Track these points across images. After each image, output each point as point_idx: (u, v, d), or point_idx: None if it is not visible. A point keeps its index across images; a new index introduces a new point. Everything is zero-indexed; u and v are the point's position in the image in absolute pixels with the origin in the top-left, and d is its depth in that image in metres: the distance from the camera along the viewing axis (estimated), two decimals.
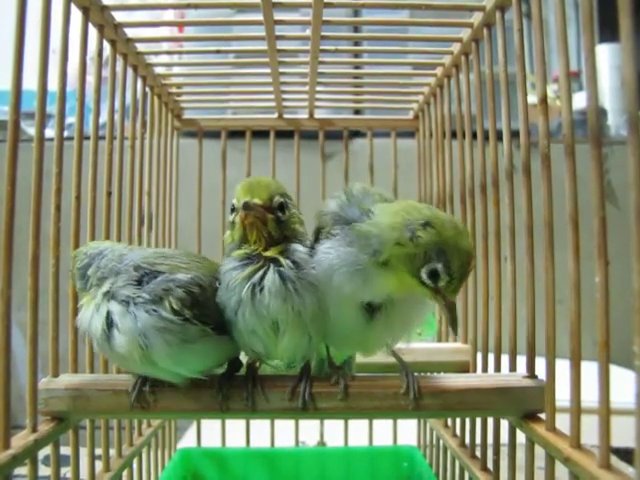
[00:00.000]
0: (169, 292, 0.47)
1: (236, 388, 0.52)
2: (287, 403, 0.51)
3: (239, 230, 0.50)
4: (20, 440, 0.46)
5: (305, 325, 0.49)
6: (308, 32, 0.64)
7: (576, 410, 0.43)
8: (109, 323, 0.47)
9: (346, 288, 0.48)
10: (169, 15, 1.46)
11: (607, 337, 0.40)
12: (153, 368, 0.48)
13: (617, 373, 0.45)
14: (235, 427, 0.88)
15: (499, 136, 0.59)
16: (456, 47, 0.70)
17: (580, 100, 1.55)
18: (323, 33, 0.64)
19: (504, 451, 0.56)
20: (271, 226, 0.49)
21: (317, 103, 0.89)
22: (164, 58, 0.96)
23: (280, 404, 0.51)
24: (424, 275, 0.45)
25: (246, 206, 0.47)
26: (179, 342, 0.47)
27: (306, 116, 0.92)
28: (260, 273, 0.48)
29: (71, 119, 0.59)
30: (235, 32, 0.89)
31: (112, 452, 0.65)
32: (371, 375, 0.54)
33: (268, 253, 0.49)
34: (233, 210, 0.50)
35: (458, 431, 0.70)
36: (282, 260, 0.48)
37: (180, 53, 1.15)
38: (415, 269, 0.45)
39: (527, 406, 0.50)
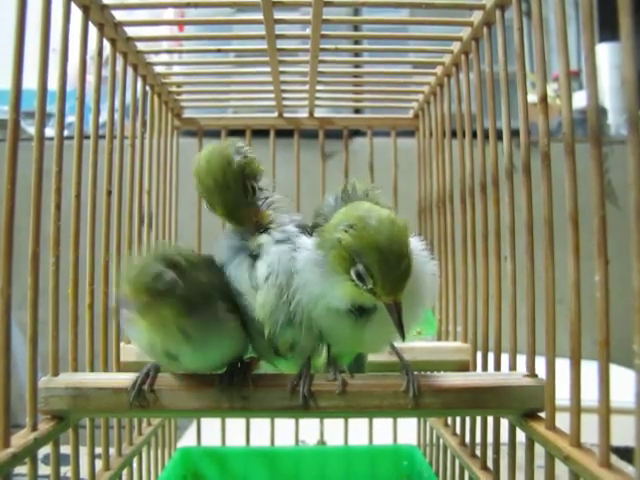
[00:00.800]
0: None
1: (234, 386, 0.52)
2: (287, 401, 0.51)
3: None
4: (20, 439, 0.46)
5: (282, 286, 0.51)
6: (308, 31, 0.64)
7: (576, 408, 0.43)
8: None
9: (315, 292, 0.49)
10: (169, 14, 1.46)
11: (607, 336, 0.40)
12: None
13: (617, 372, 0.45)
14: (235, 426, 0.88)
15: (499, 135, 0.59)
16: (456, 46, 0.70)
17: (580, 99, 1.56)
18: (323, 32, 0.64)
19: (504, 450, 0.56)
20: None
21: (317, 102, 0.89)
22: (164, 57, 0.96)
23: (280, 402, 0.51)
24: (354, 277, 0.45)
25: None
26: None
27: (306, 115, 0.92)
28: (255, 240, 0.52)
29: (71, 118, 0.59)
30: (235, 31, 0.89)
31: (112, 451, 0.65)
32: (371, 374, 0.54)
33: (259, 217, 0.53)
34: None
35: (458, 430, 0.70)
36: (275, 229, 0.53)
37: (180, 52, 1.15)
38: (348, 272, 0.45)
39: (527, 405, 0.50)
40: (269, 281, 0.51)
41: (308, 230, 0.54)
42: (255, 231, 0.53)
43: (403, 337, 0.45)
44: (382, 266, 0.43)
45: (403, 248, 0.44)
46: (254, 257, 0.52)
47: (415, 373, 0.52)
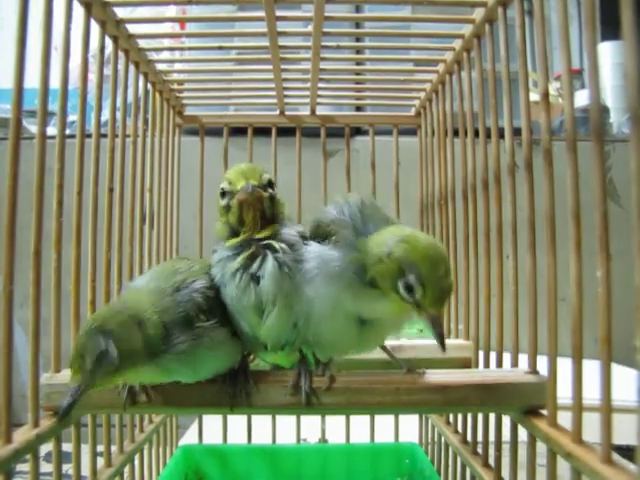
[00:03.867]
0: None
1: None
2: (289, 398, 0.51)
3: (235, 213, 0.51)
4: (22, 435, 0.46)
5: (291, 307, 0.51)
6: (310, 28, 0.64)
7: (578, 405, 0.43)
8: None
9: (333, 299, 0.49)
10: (171, 11, 1.46)
11: (609, 332, 0.40)
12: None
13: (618, 371, 0.45)
14: (237, 424, 0.88)
15: (501, 133, 0.59)
16: (458, 43, 0.70)
17: (582, 98, 1.56)
18: (325, 29, 0.64)
19: (506, 448, 0.56)
20: (266, 203, 0.52)
21: (319, 100, 0.89)
22: (166, 55, 0.96)
23: (282, 399, 0.51)
24: (401, 289, 0.46)
25: (249, 188, 0.50)
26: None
27: (308, 113, 0.92)
28: (258, 262, 0.50)
29: (73, 117, 0.59)
30: (237, 28, 0.88)
31: (113, 449, 0.65)
32: (373, 371, 0.54)
33: (261, 235, 0.51)
34: (224, 195, 0.52)
35: (460, 428, 0.70)
36: (276, 244, 0.51)
37: (182, 49, 1.15)
38: (394, 284, 0.46)
39: (529, 402, 0.50)
40: (278, 303, 0.50)
41: (308, 239, 0.54)
42: (255, 241, 0.52)
43: (443, 348, 0.46)
44: (433, 276, 0.45)
45: (449, 265, 0.46)
46: (256, 276, 0.51)
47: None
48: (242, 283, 0.50)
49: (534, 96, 0.54)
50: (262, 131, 0.93)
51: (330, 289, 0.49)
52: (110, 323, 0.44)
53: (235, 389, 0.51)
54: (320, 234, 0.52)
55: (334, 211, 0.52)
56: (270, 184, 0.53)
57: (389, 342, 0.61)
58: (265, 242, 0.51)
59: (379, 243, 0.48)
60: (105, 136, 0.62)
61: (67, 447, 0.53)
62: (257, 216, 0.51)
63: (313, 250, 0.51)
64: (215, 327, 0.50)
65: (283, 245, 0.51)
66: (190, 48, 1.00)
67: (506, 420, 0.57)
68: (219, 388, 0.52)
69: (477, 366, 0.67)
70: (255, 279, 0.50)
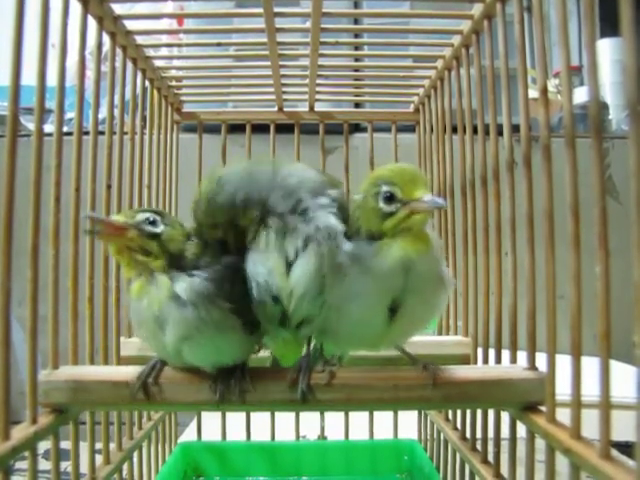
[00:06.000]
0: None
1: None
2: (286, 395, 0.51)
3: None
4: (20, 432, 0.46)
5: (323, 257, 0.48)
6: (308, 24, 0.63)
7: (576, 400, 0.43)
8: None
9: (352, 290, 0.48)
10: (169, 8, 1.45)
11: (608, 327, 0.40)
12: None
13: (617, 368, 0.45)
14: (236, 421, 0.88)
15: (499, 130, 0.59)
16: (457, 39, 0.70)
17: (581, 95, 1.55)
18: (323, 25, 0.64)
19: (505, 444, 0.56)
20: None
21: (317, 96, 0.89)
22: (164, 51, 0.96)
23: (279, 395, 0.51)
24: (382, 205, 0.47)
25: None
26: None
27: (306, 109, 0.92)
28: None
29: (71, 114, 0.59)
30: (235, 24, 0.88)
31: (112, 446, 0.65)
32: (371, 367, 0.54)
33: None
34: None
35: (459, 424, 0.70)
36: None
37: (180, 46, 1.15)
38: (378, 211, 0.47)
39: (527, 398, 0.50)
40: (309, 249, 0.47)
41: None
42: None
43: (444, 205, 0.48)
44: (401, 174, 0.47)
45: (416, 170, 0.49)
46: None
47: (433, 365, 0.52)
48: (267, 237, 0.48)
49: (533, 93, 0.54)
50: (260, 128, 0.93)
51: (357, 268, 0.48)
52: None
53: (229, 385, 0.51)
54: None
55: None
56: None
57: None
58: None
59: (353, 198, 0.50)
60: (103, 133, 0.62)
61: (65, 445, 0.53)
62: None
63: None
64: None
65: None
66: (188, 44, 1.00)
67: (505, 416, 0.57)
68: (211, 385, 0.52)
69: (476, 363, 0.67)
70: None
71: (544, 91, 0.49)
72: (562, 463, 0.45)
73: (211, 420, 0.90)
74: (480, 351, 0.64)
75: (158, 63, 0.77)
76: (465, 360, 0.70)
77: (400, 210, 0.47)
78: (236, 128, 0.95)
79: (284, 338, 0.54)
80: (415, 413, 0.92)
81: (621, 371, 0.50)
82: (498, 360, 0.59)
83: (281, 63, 0.74)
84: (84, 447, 0.58)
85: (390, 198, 0.47)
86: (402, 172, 0.48)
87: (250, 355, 0.55)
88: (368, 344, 0.54)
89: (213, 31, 0.74)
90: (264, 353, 0.60)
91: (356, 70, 0.90)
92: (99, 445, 0.61)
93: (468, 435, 0.67)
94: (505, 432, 0.56)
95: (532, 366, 0.52)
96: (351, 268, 0.48)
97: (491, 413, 0.60)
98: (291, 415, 0.88)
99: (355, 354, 0.58)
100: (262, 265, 0.49)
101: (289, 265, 0.48)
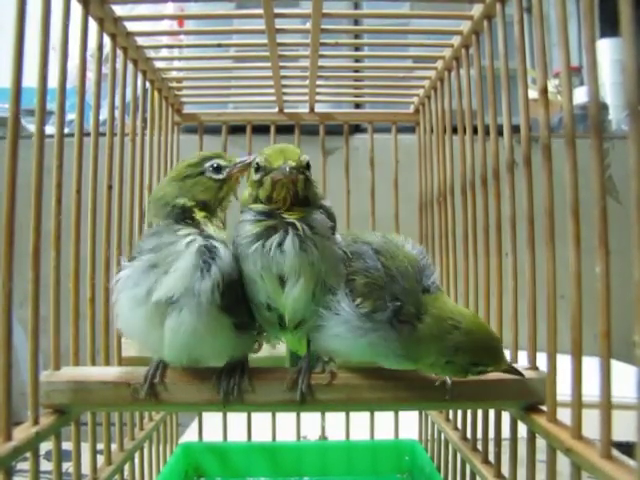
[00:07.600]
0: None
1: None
2: (286, 395, 0.51)
3: (267, 189, 0.50)
4: (21, 432, 0.46)
5: (316, 275, 0.49)
6: (308, 25, 0.64)
7: (577, 400, 0.43)
8: None
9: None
10: (169, 9, 1.46)
11: (608, 327, 0.40)
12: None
13: (618, 368, 0.45)
14: (236, 422, 0.88)
15: (500, 130, 0.59)
16: (456, 40, 0.70)
17: (581, 95, 1.55)
18: (323, 26, 0.64)
19: (505, 444, 0.56)
20: (300, 185, 0.50)
21: (318, 97, 0.89)
22: (164, 52, 0.96)
23: (279, 396, 0.51)
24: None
25: (286, 170, 0.49)
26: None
27: (307, 110, 0.92)
28: (277, 237, 0.49)
29: (71, 116, 0.59)
30: (235, 26, 0.88)
31: (114, 447, 0.65)
32: (371, 367, 0.54)
33: (288, 215, 0.50)
34: (258, 169, 0.51)
35: (460, 424, 0.70)
36: (299, 225, 0.49)
37: (180, 47, 1.15)
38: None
39: (528, 398, 0.51)
40: (303, 273, 0.49)
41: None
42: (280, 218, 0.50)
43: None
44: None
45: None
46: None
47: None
48: (269, 243, 0.49)
49: (533, 93, 0.54)
50: (261, 129, 0.93)
51: None
52: None
53: (229, 385, 0.51)
54: None
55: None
56: (308, 166, 0.51)
57: None
58: (289, 220, 0.50)
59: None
60: (104, 134, 0.62)
61: (67, 445, 0.53)
62: (288, 197, 0.50)
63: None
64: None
65: (305, 227, 0.49)
66: (189, 46, 1.00)
67: (505, 416, 0.57)
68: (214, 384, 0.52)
69: None
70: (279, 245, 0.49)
71: (544, 91, 0.49)
72: (563, 463, 0.45)
73: (212, 420, 0.90)
74: None
75: (159, 64, 0.77)
76: None
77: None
78: (236, 129, 0.96)
79: (285, 337, 0.56)
80: (416, 413, 0.92)
81: (621, 371, 0.50)
82: None
83: (281, 64, 0.75)
84: (85, 448, 0.58)
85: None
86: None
87: (246, 354, 0.55)
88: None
89: (213, 32, 0.74)
90: (262, 353, 0.61)
91: (356, 71, 0.90)
92: (100, 446, 0.61)
93: (469, 435, 0.67)
94: (506, 432, 0.56)
95: (533, 366, 0.52)
96: None
97: (492, 413, 0.60)
98: (292, 415, 0.88)
99: None
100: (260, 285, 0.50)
101: (282, 280, 0.49)
